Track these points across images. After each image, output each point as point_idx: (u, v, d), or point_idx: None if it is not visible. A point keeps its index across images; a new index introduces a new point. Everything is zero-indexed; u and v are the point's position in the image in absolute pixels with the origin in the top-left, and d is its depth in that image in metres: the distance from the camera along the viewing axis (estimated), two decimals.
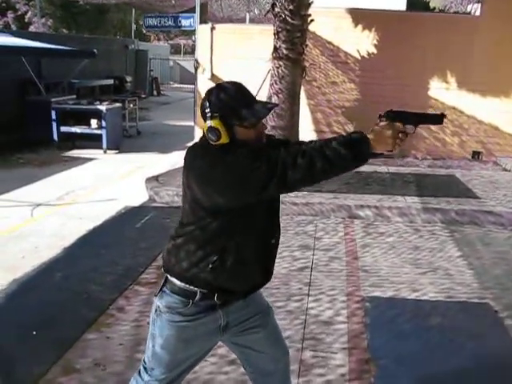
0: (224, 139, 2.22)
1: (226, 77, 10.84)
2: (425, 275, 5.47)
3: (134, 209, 7.63)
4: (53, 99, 12.26)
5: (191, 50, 36.42)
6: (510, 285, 5.28)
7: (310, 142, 2.24)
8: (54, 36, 20.24)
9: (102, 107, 11.66)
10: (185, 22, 20.26)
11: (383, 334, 4.33)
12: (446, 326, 4.49)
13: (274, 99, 9.02)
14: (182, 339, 2.40)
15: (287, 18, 8.91)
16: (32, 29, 25.31)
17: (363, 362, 3.89)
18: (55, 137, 11.81)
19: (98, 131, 11.58)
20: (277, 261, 2.56)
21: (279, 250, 2.56)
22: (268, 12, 9.70)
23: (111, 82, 19.04)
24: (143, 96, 22.71)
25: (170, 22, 20.98)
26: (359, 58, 11.21)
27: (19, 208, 7.50)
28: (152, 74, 27.70)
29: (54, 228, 6.77)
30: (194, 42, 17.48)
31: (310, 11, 9.24)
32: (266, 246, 2.43)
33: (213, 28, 11.59)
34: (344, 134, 2.15)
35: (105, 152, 11.55)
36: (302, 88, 10.10)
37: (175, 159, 9.64)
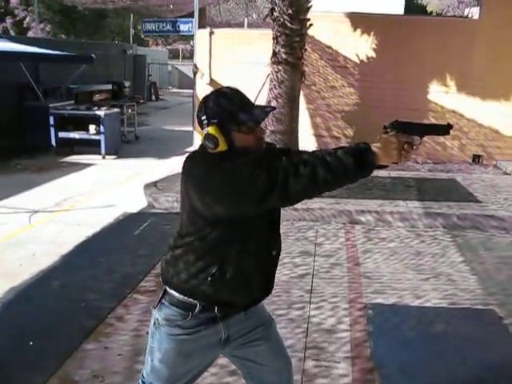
0: (222, 146, 2.15)
1: (224, 81, 10.80)
2: (427, 281, 5.40)
3: (133, 215, 7.56)
4: (51, 105, 12.22)
5: (189, 55, 36.47)
6: None
7: (314, 151, 2.17)
8: (52, 41, 20.20)
9: (101, 113, 11.60)
10: (183, 27, 20.28)
11: (386, 342, 4.25)
12: (451, 334, 4.42)
13: (274, 104, 8.97)
14: (181, 353, 2.32)
15: (286, 22, 8.88)
16: (30, 34, 25.24)
17: (367, 372, 3.81)
18: (53, 142, 11.76)
19: (97, 137, 11.53)
20: (277, 268, 2.49)
21: (280, 257, 2.49)
22: (267, 16, 9.66)
23: (110, 87, 18.95)
24: (141, 101, 22.65)
25: (168, 27, 21.01)
26: (358, 62, 11.17)
27: (17, 214, 7.44)
28: (150, 79, 27.65)
29: (51, 235, 6.70)
30: (192, 46, 17.45)
31: (309, 15, 9.21)
32: (267, 258, 2.36)
33: (211, 33, 11.54)
34: (344, 141, 2.08)
35: (103, 157, 11.49)
36: (302, 92, 10.06)
37: (174, 165, 9.55)
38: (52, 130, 11.67)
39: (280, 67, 9.02)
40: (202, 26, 12.25)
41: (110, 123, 11.79)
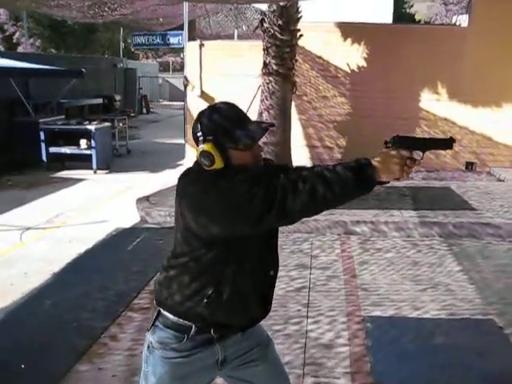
0: (218, 164, 2.08)
1: (215, 94, 10.78)
2: (425, 292, 5.34)
3: (126, 230, 7.46)
4: (41, 120, 12.13)
5: (180, 68, 36.43)
6: None
7: (312, 167, 2.10)
8: (41, 56, 20.17)
9: (91, 127, 11.52)
10: (173, 40, 20.27)
11: (386, 355, 4.18)
12: (451, 345, 4.35)
13: (265, 115, 8.94)
14: (177, 377, 2.23)
15: (276, 33, 8.87)
16: (20, 49, 25.21)
17: None
18: (44, 158, 11.65)
19: (88, 151, 11.43)
20: None
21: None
22: (257, 28, 9.63)
23: (100, 101, 18.90)
24: (132, 114, 22.59)
25: (158, 40, 20.99)
26: (349, 71, 11.15)
27: (8, 232, 7.34)
28: (141, 92, 27.62)
29: (43, 252, 6.60)
30: (182, 59, 17.43)
31: (299, 26, 9.20)
32: (264, 278, 2.28)
33: (201, 45, 11.51)
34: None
35: (95, 172, 11.40)
36: (293, 103, 10.03)
37: (166, 178, 9.50)
38: (43, 146, 11.57)
39: (271, 78, 8.99)
40: (191, 38, 12.23)
41: (101, 137, 11.71)
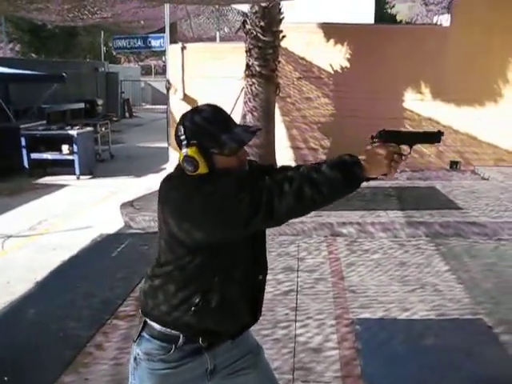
0: (202, 169, 2.01)
1: (198, 96, 10.70)
2: (414, 292, 5.30)
3: (110, 236, 7.36)
4: (22, 125, 11.98)
5: (162, 71, 36.30)
6: (502, 298, 5.13)
7: (298, 167, 2.03)
8: (22, 61, 19.99)
9: (73, 132, 11.40)
10: (154, 43, 20.17)
11: (376, 358, 4.14)
12: (441, 346, 4.31)
13: (249, 117, 8.89)
14: None
15: (259, 34, 8.82)
16: (0, 55, 24.95)
17: None
18: (26, 164, 11.50)
19: (70, 156, 11.30)
20: None
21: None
22: (239, 29, 9.59)
23: (82, 105, 18.76)
24: (115, 118, 22.45)
25: (139, 43, 20.87)
26: (332, 72, 11.13)
27: None
28: (123, 96, 27.46)
29: (26, 260, 6.49)
30: (164, 62, 17.34)
31: (282, 27, 9.16)
32: (253, 283, 2.22)
33: (183, 48, 11.42)
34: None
35: (78, 178, 11.27)
36: (277, 105, 10.00)
37: (150, 182, 9.41)
38: (24, 152, 11.41)
39: (254, 80, 8.94)
40: (173, 41, 12.13)
41: (84, 142, 11.58)
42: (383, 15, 28.89)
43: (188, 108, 2.18)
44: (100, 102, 21.13)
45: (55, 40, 27.76)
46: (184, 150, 2.02)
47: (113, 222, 7.82)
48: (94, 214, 8.62)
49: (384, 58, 10.79)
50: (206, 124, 2.04)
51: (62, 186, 10.70)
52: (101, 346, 4.34)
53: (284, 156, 10.30)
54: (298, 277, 5.74)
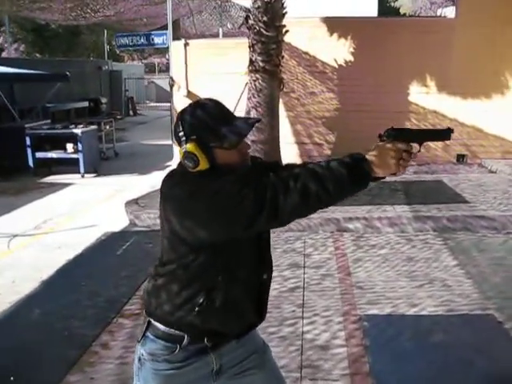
0: (203, 165, 1.96)
1: (202, 93, 10.64)
2: (422, 288, 5.24)
3: (115, 234, 7.33)
4: (26, 125, 11.97)
5: (166, 68, 36.23)
6: None
7: (304, 164, 1.98)
8: (26, 61, 20.00)
9: (77, 130, 11.37)
10: (157, 40, 20.10)
11: (385, 355, 4.08)
12: (450, 343, 4.26)
13: (253, 113, 8.82)
14: None
15: (261, 29, 8.75)
16: (4, 55, 24.97)
17: None
18: (31, 163, 11.48)
19: (75, 155, 11.28)
20: None
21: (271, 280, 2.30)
22: (242, 25, 9.54)
23: (86, 104, 18.74)
24: (119, 117, 22.42)
25: (142, 40, 20.80)
26: (336, 66, 11.06)
27: None
28: (127, 94, 27.43)
29: (31, 260, 6.46)
30: (168, 60, 17.32)
31: (285, 22, 9.08)
32: (258, 282, 2.17)
33: (186, 44, 11.36)
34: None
35: (82, 176, 11.25)
36: (281, 100, 9.93)
37: (155, 180, 9.35)
38: (29, 151, 11.40)
39: (258, 76, 8.87)
40: (176, 38, 12.09)
41: (88, 141, 11.56)
42: (387, 9, 28.79)
43: None
44: (104, 100, 21.11)
45: (59, 39, 27.77)
46: (184, 146, 1.98)
47: (118, 220, 7.79)
48: (98, 212, 8.59)
49: (389, 51, 10.72)
50: (204, 118, 1.99)
51: (67, 184, 10.68)
52: (106, 345, 4.31)
53: (289, 151, 10.24)
54: (304, 273, 5.69)
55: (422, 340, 4.32)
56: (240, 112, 8.28)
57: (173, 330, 2.06)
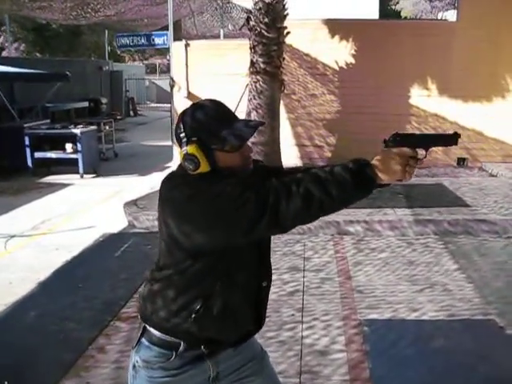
0: (204, 168, 1.91)
1: (202, 94, 10.58)
2: (422, 292, 5.19)
3: (113, 236, 7.27)
4: (26, 124, 11.91)
5: (167, 69, 36.21)
6: None
7: (307, 168, 1.92)
8: (26, 60, 19.93)
9: (77, 131, 11.31)
10: (158, 40, 20.07)
11: (385, 361, 4.02)
12: (451, 348, 4.20)
13: (253, 115, 8.78)
14: None
15: (263, 31, 8.71)
16: (5, 54, 24.93)
17: None
18: (30, 163, 11.42)
19: (74, 155, 11.21)
20: None
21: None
22: (243, 26, 9.50)
23: (86, 104, 18.69)
24: (119, 117, 22.37)
25: (142, 41, 20.77)
26: (337, 68, 11.02)
27: None
28: (128, 95, 27.39)
29: (28, 261, 6.40)
30: (169, 60, 17.29)
31: (286, 23, 9.04)
32: (257, 290, 2.11)
33: (187, 45, 11.32)
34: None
35: (81, 177, 11.19)
36: (282, 102, 9.88)
37: (155, 181, 9.28)
38: (28, 151, 11.34)
39: (258, 77, 8.83)
40: (177, 39, 12.06)
41: (87, 141, 11.49)
42: (388, 12, 28.76)
43: None
44: (104, 100, 21.05)
45: (59, 39, 27.73)
46: (184, 148, 1.93)
47: (116, 222, 7.73)
48: (97, 213, 8.54)
49: (390, 53, 10.68)
50: (205, 120, 1.94)
51: (66, 185, 10.62)
52: (103, 349, 4.25)
53: (289, 154, 10.20)
54: (304, 277, 5.64)
55: (422, 345, 4.27)
56: (241, 114, 8.24)
57: (169, 337, 2.01)
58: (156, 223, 6.83)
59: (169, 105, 13.37)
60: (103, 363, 4.03)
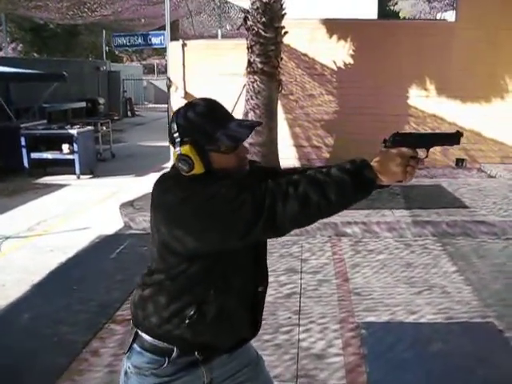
0: (198, 169, 1.85)
1: (199, 94, 10.47)
2: (421, 295, 5.14)
3: (109, 237, 7.21)
4: (22, 125, 11.84)
5: (165, 70, 36.14)
6: None
7: (304, 170, 1.86)
8: (23, 60, 19.86)
9: (73, 131, 11.24)
10: (155, 40, 19.99)
11: (382, 365, 3.97)
12: (450, 352, 4.15)
13: (251, 115, 8.72)
14: None
15: (260, 30, 8.65)
16: (1, 54, 24.86)
17: None
18: (26, 164, 11.35)
19: (70, 156, 11.14)
20: None
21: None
22: (241, 26, 9.44)
23: (83, 104, 18.62)
24: (117, 117, 22.31)
25: (139, 41, 20.69)
26: (335, 69, 10.97)
27: None
28: (125, 95, 27.32)
29: (23, 262, 6.34)
30: (167, 61, 17.26)
31: (284, 23, 8.98)
32: (253, 295, 2.05)
33: (184, 45, 11.27)
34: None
35: (78, 177, 11.12)
36: (279, 102, 9.82)
37: (152, 182, 9.22)
38: (24, 151, 11.26)
39: (256, 77, 8.77)
40: (174, 39, 12.00)
41: (84, 141, 11.43)
42: (386, 12, 28.73)
43: None
44: (102, 101, 21.00)
45: (57, 39, 27.66)
46: (178, 149, 1.87)
47: (112, 223, 7.68)
48: (93, 214, 8.48)
49: (388, 54, 10.64)
50: (200, 119, 1.88)
51: (62, 185, 10.56)
52: (97, 352, 4.19)
53: (287, 154, 10.15)
54: (301, 278, 5.58)
55: (420, 348, 4.22)
56: (238, 114, 8.17)
57: (161, 342, 1.95)
58: None
59: (167, 105, 13.33)
60: (97, 367, 3.98)
